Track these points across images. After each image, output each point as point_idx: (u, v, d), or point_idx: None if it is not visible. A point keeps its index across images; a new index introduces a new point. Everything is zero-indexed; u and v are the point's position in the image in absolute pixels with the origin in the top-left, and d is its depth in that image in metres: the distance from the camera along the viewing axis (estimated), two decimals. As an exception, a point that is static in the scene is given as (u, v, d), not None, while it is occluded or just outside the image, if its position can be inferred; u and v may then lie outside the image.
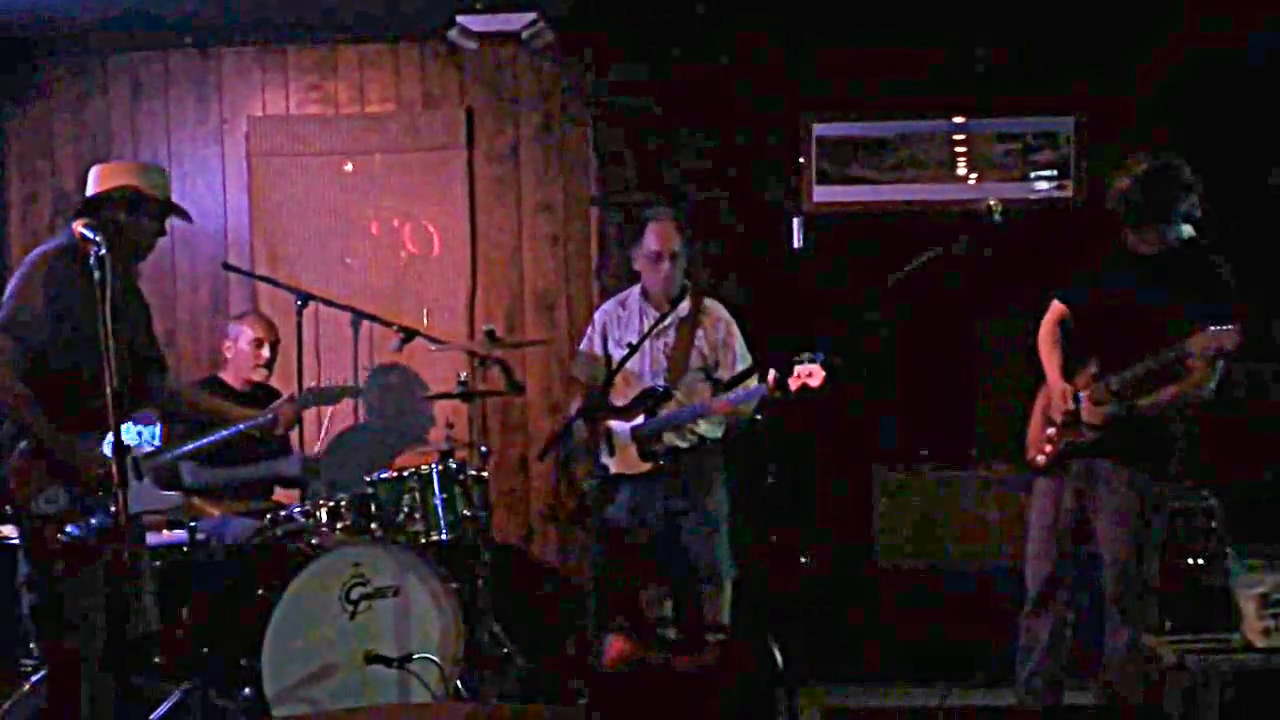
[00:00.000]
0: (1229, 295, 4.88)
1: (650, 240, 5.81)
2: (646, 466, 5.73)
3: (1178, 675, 4.58)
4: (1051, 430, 5.13)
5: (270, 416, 5.20)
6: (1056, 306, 5.31)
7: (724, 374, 5.81)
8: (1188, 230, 4.99)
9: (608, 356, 5.87)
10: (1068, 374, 5.16)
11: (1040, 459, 5.17)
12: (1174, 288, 4.90)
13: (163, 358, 5.02)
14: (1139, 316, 4.96)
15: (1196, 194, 4.94)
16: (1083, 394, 5.04)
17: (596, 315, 6.09)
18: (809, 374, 5.39)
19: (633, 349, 5.58)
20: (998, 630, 5.54)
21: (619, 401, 5.79)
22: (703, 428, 5.78)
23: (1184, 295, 4.88)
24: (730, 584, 5.80)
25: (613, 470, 5.78)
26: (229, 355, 6.24)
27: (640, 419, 5.74)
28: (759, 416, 5.70)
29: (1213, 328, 4.72)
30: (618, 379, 5.73)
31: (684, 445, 5.77)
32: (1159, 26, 6.42)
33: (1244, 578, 4.69)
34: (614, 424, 5.77)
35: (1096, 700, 5.17)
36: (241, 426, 5.16)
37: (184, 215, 4.92)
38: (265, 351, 6.18)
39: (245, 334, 6.21)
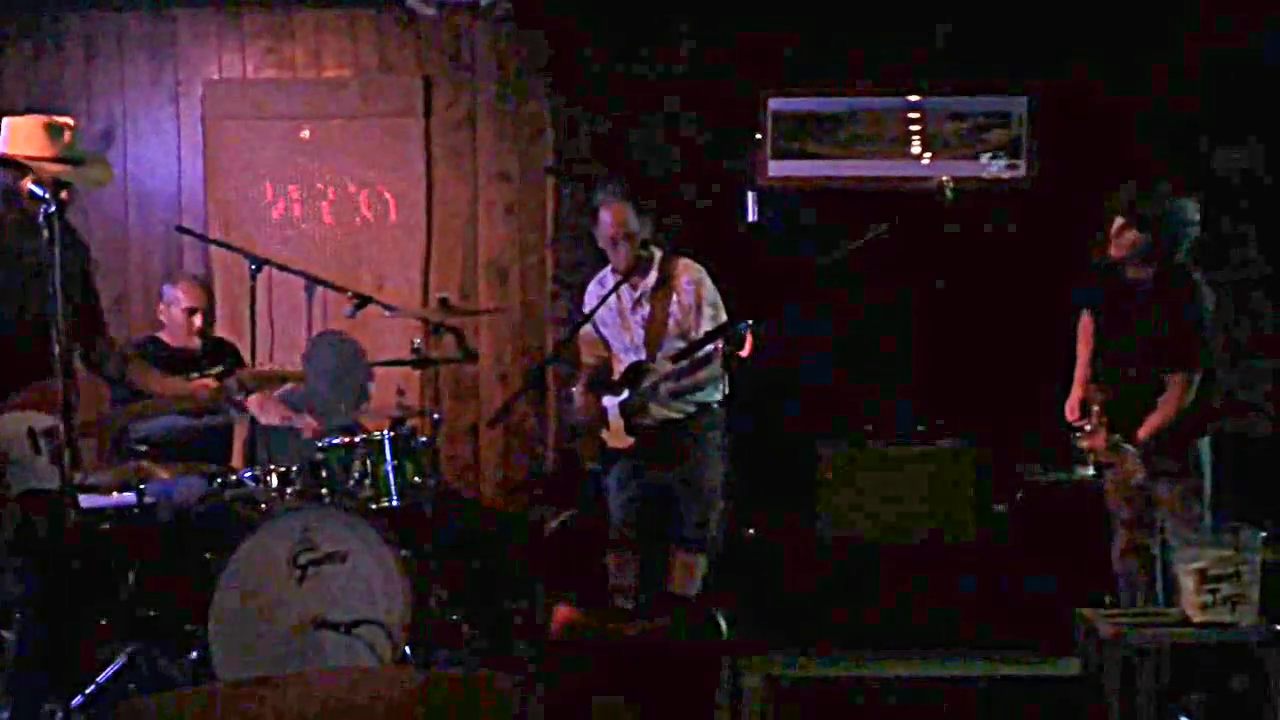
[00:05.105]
0: (1196, 328, 5.16)
1: (604, 225, 5.79)
2: (630, 441, 5.75)
3: (1115, 648, 4.63)
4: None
5: (189, 391, 5.05)
6: (1084, 318, 5.52)
7: (694, 336, 5.79)
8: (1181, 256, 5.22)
9: (602, 339, 5.89)
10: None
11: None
12: (1157, 315, 5.17)
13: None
14: (1129, 338, 5.25)
15: (1197, 226, 5.15)
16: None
17: (585, 298, 6.05)
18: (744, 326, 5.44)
19: (585, 317, 5.64)
20: (941, 600, 5.62)
21: (615, 378, 5.84)
22: (698, 395, 5.78)
23: (1164, 322, 5.15)
24: (707, 557, 5.81)
25: (609, 445, 5.81)
26: (164, 320, 6.20)
27: (625, 394, 5.76)
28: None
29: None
30: (613, 359, 5.81)
31: (677, 416, 5.77)
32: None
33: (1184, 552, 4.76)
34: (606, 399, 5.81)
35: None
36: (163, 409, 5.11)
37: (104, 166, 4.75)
38: (198, 320, 6.12)
39: (179, 301, 6.14)
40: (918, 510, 6.23)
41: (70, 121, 4.55)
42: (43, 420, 4.44)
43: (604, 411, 5.79)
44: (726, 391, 5.84)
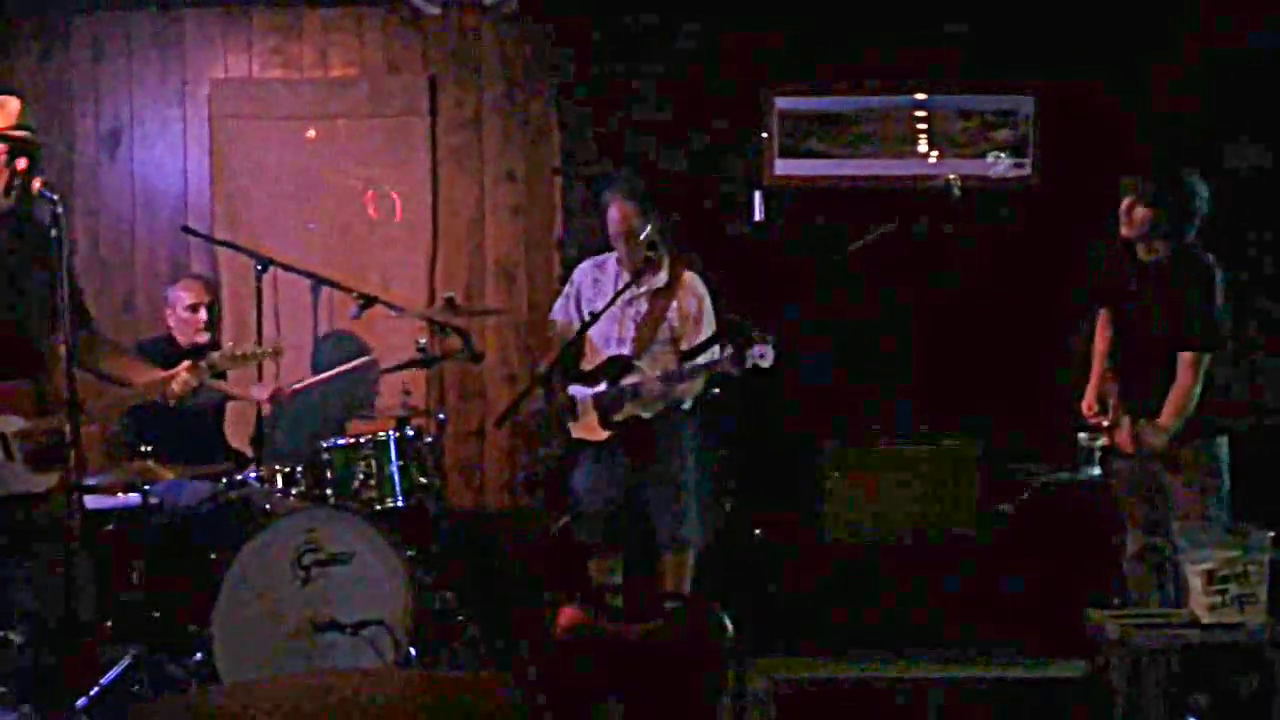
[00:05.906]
0: (1207, 307, 5.12)
1: (612, 221, 5.80)
2: (605, 435, 5.74)
3: (1123, 649, 4.63)
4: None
5: (161, 382, 4.73)
6: (1102, 313, 5.48)
7: (686, 346, 5.80)
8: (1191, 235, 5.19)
9: (583, 320, 5.86)
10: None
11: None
12: (1168, 295, 5.14)
13: None
14: (1142, 327, 5.23)
15: (1207, 203, 5.13)
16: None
17: (575, 275, 6.05)
18: (760, 355, 5.42)
19: (594, 317, 5.62)
20: (943, 600, 5.60)
21: (587, 367, 5.82)
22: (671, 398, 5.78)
23: (1175, 302, 5.12)
24: (693, 552, 5.81)
25: (574, 435, 5.80)
26: (171, 323, 6.22)
27: (602, 386, 5.76)
28: (716, 390, 5.74)
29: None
30: (587, 346, 5.78)
31: (648, 415, 5.77)
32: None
33: (1193, 553, 4.74)
34: (577, 389, 5.79)
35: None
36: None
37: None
38: (202, 315, 6.14)
39: (182, 300, 6.17)
40: (919, 510, 6.22)
41: (16, 99, 4.43)
42: (13, 423, 4.38)
43: (572, 401, 5.78)
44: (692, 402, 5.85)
